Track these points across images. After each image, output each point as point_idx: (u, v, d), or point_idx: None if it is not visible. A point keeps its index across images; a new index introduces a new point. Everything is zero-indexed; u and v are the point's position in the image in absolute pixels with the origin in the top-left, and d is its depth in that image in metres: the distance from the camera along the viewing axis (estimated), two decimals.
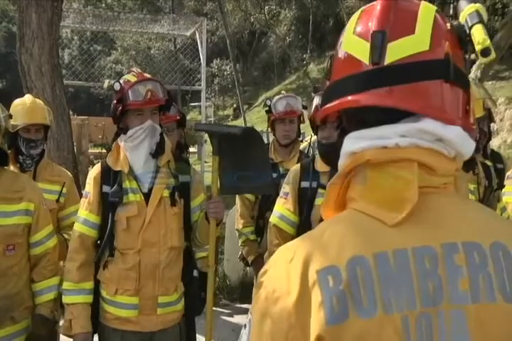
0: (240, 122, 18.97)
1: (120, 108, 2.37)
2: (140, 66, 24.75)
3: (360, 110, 0.85)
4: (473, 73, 8.55)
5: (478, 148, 3.44)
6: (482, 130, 3.42)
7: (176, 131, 3.29)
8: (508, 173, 3.20)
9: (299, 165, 2.76)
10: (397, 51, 0.84)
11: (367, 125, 0.86)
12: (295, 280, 0.77)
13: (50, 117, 3.20)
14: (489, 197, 2.89)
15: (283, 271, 0.80)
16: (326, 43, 27.74)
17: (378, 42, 0.84)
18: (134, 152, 2.41)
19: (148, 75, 2.50)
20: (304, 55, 27.22)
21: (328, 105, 0.89)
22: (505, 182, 3.12)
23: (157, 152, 2.43)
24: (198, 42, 9.29)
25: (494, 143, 11.62)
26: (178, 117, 3.27)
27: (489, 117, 3.24)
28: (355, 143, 0.86)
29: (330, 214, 0.90)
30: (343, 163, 0.88)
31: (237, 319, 4.77)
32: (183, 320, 2.56)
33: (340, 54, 0.91)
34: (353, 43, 0.88)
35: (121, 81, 2.41)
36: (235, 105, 25.05)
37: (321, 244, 0.80)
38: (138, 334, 2.43)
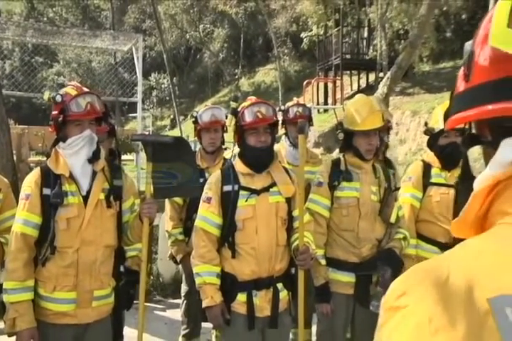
0: (176, 132, 18.78)
1: (61, 118, 2.38)
2: (82, 78, 24.07)
3: None
4: (381, 89, 8.93)
5: (379, 155, 3.62)
6: (382, 139, 3.60)
7: (107, 141, 3.29)
8: (403, 177, 3.39)
9: (219, 171, 2.80)
10: None
11: None
12: (458, 309, 0.57)
13: None
14: (388, 197, 3.03)
15: (436, 294, 0.59)
16: (256, 59, 28.08)
17: None
18: (72, 158, 2.43)
19: (86, 89, 2.53)
20: (236, 70, 27.41)
21: (476, 110, 0.70)
22: (402, 184, 3.29)
23: (94, 158, 2.46)
24: (135, 57, 9.19)
25: (401, 151, 12.15)
26: (108, 129, 3.28)
27: (388, 128, 3.40)
28: None
29: (466, 230, 0.72)
30: (493, 171, 0.70)
31: (169, 313, 4.76)
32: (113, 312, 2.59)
33: (489, 52, 0.70)
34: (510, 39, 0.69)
35: (61, 93, 2.43)
36: (171, 116, 24.76)
37: (484, 265, 0.60)
38: (74, 326, 2.43)
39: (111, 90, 11.49)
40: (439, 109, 3.35)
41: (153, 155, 2.51)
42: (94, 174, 2.48)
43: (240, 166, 2.72)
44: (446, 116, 0.80)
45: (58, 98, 2.40)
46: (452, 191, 3.20)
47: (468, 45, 0.75)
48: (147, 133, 16.92)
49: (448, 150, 3.19)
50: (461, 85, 0.74)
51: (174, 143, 2.51)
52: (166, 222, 3.61)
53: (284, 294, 2.70)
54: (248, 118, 2.65)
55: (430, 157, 3.33)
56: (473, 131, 0.77)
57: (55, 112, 2.42)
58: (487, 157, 0.73)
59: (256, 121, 2.63)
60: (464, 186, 0.78)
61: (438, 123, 3.21)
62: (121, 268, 2.68)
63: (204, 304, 2.58)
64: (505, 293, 0.56)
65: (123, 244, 2.66)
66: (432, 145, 3.30)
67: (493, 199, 0.69)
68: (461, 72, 0.75)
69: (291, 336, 3.32)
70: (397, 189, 3.16)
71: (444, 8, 16.10)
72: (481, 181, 0.71)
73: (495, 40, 0.70)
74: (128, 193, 2.62)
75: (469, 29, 17.02)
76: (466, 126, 0.79)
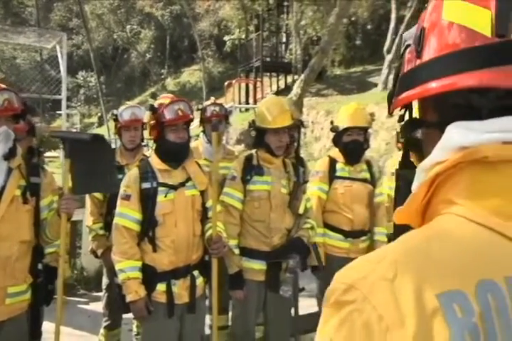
0: (103, 129, 18.18)
1: None
2: (5, 74, 22.59)
3: (470, 94, 0.60)
4: (295, 90, 9.11)
5: (290, 152, 3.69)
6: (293, 137, 3.66)
7: (26, 139, 3.11)
8: (312, 172, 3.48)
9: (136, 168, 2.71)
10: None
11: (473, 115, 0.61)
12: (408, 306, 0.52)
13: None
14: (297, 190, 3.10)
15: (385, 291, 0.53)
16: (181, 60, 27.75)
17: (506, 9, 0.59)
18: None
19: (3, 85, 2.38)
20: (162, 70, 26.99)
21: (424, 87, 0.63)
22: (310, 178, 3.38)
23: (10, 155, 2.33)
24: (59, 55, 8.79)
25: (316, 147, 12.49)
26: (27, 128, 3.10)
27: (299, 127, 3.48)
28: (466, 135, 0.60)
29: (409, 218, 0.66)
30: (440, 158, 0.62)
31: (93, 306, 4.59)
32: (30, 309, 2.44)
33: (442, 26, 0.64)
34: (465, 12, 0.62)
35: None
36: (99, 114, 23.90)
37: (432, 260, 0.55)
38: None
39: (34, 87, 10.88)
40: (344, 109, 3.47)
41: (71, 151, 2.44)
42: (10, 171, 2.35)
43: (156, 162, 2.68)
44: (390, 98, 0.71)
45: None
46: (355, 184, 3.33)
47: (406, 33, 0.71)
48: (74, 130, 16.23)
49: (351, 146, 3.31)
50: (409, 66, 0.68)
51: (92, 141, 2.45)
52: (86, 217, 3.49)
53: (200, 280, 2.72)
54: (169, 115, 2.62)
55: (336, 153, 3.44)
56: (415, 114, 0.70)
57: None
58: (430, 141, 0.66)
59: (177, 118, 2.62)
60: (403, 174, 0.73)
61: (342, 122, 3.33)
62: (40, 266, 2.54)
63: (128, 298, 2.52)
64: (451, 289, 0.53)
65: (41, 242, 2.53)
66: (337, 142, 3.41)
67: (436, 188, 0.63)
68: (408, 56, 0.69)
69: (208, 321, 3.32)
70: (306, 182, 3.23)
71: (353, 19, 16.72)
72: (426, 168, 0.64)
73: (449, 14, 0.64)
74: (46, 191, 2.51)
75: (376, 38, 17.86)
76: (406, 110, 0.72)
